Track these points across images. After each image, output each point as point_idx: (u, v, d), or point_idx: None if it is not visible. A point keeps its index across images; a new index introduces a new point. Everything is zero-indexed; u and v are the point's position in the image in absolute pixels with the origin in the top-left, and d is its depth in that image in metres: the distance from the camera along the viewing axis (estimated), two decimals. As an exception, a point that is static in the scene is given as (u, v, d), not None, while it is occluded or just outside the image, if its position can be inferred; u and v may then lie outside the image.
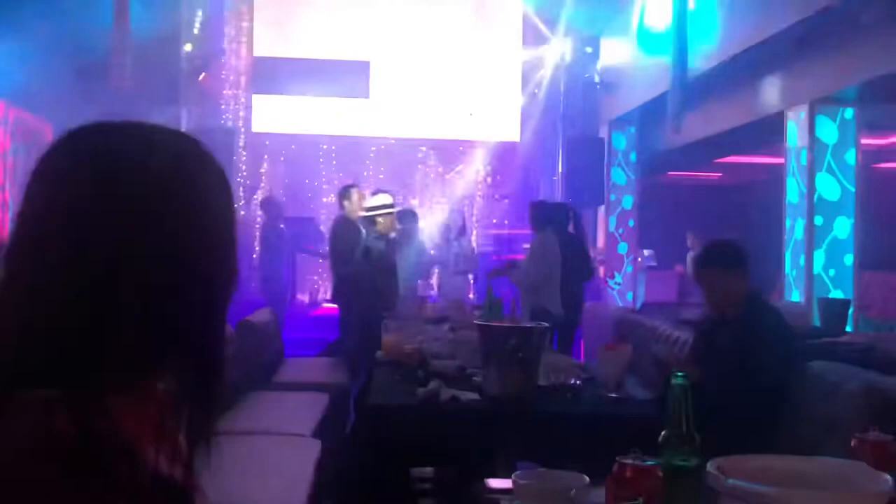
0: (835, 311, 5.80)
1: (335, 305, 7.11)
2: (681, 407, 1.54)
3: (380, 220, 6.45)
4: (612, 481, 1.41)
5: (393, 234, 6.63)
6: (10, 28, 6.76)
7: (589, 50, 11.01)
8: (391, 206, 6.58)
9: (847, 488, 1.42)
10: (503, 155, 11.90)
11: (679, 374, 1.59)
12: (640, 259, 11.25)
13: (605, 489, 1.43)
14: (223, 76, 11.30)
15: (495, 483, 1.83)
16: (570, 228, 6.92)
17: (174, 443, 0.86)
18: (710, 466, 1.43)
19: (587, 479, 1.66)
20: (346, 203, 6.73)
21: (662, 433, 1.54)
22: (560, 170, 11.35)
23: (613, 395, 3.16)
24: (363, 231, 6.49)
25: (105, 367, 0.81)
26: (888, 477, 1.40)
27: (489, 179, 11.97)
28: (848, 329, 5.90)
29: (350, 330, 6.51)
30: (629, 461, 1.42)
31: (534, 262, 6.29)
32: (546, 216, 6.59)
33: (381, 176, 11.30)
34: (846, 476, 1.46)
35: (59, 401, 0.77)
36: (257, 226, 11.09)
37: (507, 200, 11.91)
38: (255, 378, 5.00)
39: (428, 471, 3.50)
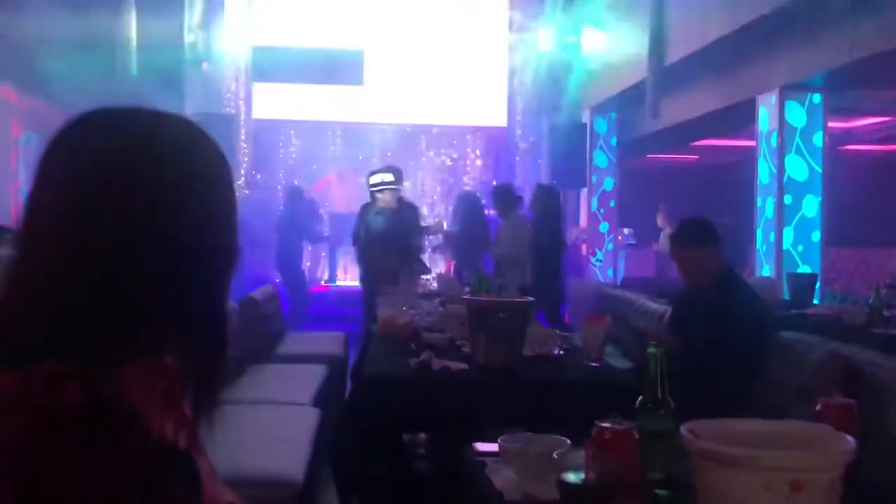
0: (803, 284, 5.82)
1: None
2: (656, 374, 1.56)
3: (379, 195, 6.40)
4: (591, 444, 1.42)
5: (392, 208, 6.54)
6: (22, 18, 6.69)
7: (572, 39, 10.96)
8: (391, 182, 6.52)
9: (812, 449, 1.43)
10: (491, 139, 11.89)
11: (654, 344, 1.61)
12: (620, 237, 11.28)
13: (584, 451, 1.45)
14: (224, 65, 11.23)
15: (483, 447, 1.84)
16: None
17: (180, 412, 0.87)
18: (683, 429, 1.45)
19: (569, 442, 1.68)
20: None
21: (639, 399, 1.56)
22: (545, 153, 11.35)
23: (594, 364, 3.17)
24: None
25: (113, 341, 0.81)
26: (850, 438, 1.42)
27: (478, 162, 11.96)
28: (815, 301, 5.93)
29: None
30: (607, 425, 1.43)
31: (502, 243, 6.44)
32: (510, 200, 6.70)
33: (375, 159, 11.26)
34: (811, 438, 1.48)
35: (70, 373, 0.77)
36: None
37: (494, 182, 11.90)
38: (257, 351, 5.00)
39: (420, 436, 3.53)
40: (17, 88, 8.32)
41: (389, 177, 6.55)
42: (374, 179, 6.58)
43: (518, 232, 6.55)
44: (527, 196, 7.59)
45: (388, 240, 6.29)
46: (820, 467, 1.34)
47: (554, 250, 6.87)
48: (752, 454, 1.33)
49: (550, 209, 7.02)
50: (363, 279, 6.62)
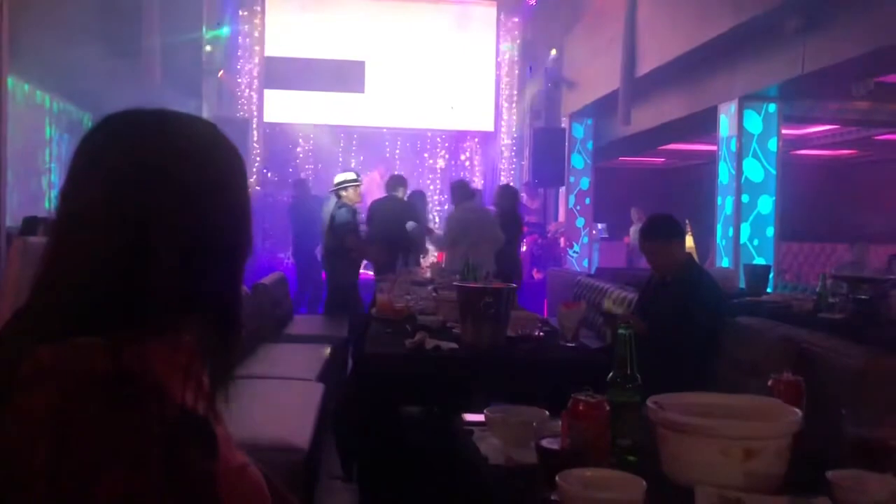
0: (757, 274, 5.83)
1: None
2: (625, 353, 1.56)
3: (343, 193, 6.38)
4: (567, 414, 1.43)
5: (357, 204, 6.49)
6: (57, 31, 6.65)
7: (553, 52, 10.95)
8: (355, 179, 6.52)
9: (763, 420, 1.45)
10: (479, 143, 11.88)
11: (624, 325, 1.61)
12: (594, 231, 11.29)
13: (561, 421, 1.45)
14: (238, 73, 11.18)
15: (470, 417, 1.84)
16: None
17: (199, 383, 0.87)
18: (649, 402, 1.45)
19: (547, 413, 1.68)
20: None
21: (610, 374, 1.57)
22: (528, 155, 11.34)
23: (570, 344, 3.18)
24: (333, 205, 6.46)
25: (138, 319, 0.81)
26: (797, 411, 1.43)
27: (467, 164, 11.94)
28: (768, 290, 5.95)
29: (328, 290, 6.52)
30: (582, 397, 1.44)
31: (444, 229, 6.53)
32: (462, 192, 6.78)
33: (375, 159, 11.24)
34: (764, 410, 1.49)
35: (99, 347, 0.77)
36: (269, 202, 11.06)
37: (481, 182, 11.89)
38: (268, 331, 5.00)
39: (415, 409, 3.52)
40: (50, 93, 8.27)
41: (352, 175, 6.58)
42: (339, 178, 6.57)
43: (460, 217, 6.58)
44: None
45: (353, 230, 6.30)
46: (770, 436, 1.35)
47: (513, 241, 7.09)
48: (709, 424, 1.34)
49: (513, 205, 7.32)
50: (330, 266, 6.53)
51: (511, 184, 9.80)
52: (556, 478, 1.26)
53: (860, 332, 3.76)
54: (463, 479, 1.67)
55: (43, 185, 8.27)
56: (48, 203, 8.08)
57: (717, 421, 1.35)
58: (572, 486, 1.23)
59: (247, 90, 11.26)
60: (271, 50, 11.23)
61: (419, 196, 8.33)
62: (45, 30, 6.50)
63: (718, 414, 1.42)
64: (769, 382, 1.67)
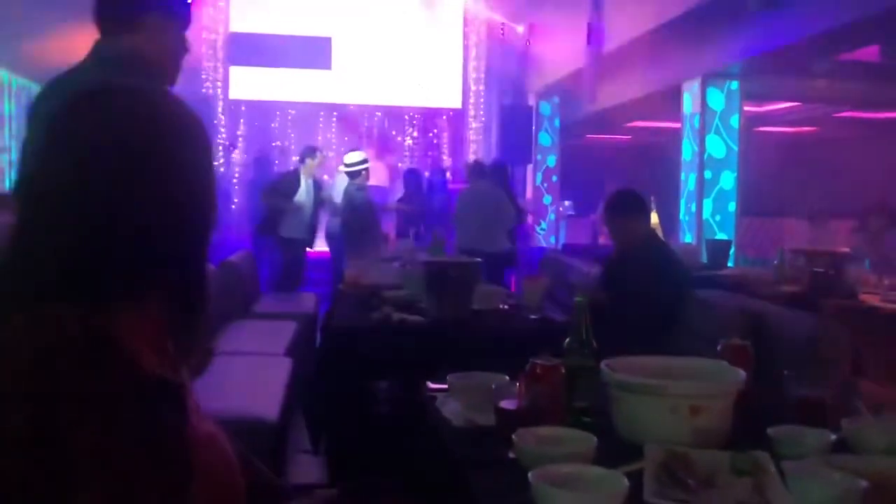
0: (719, 249, 5.95)
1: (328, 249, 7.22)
2: (581, 319, 1.62)
3: (364, 172, 6.48)
4: (525, 377, 1.48)
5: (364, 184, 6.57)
6: (16, 4, 6.51)
7: (520, 29, 10.97)
8: (367, 160, 6.58)
9: (710, 380, 1.52)
10: (447, 120, 11.88)
11: (581, 294, 1.67)
12: (561, 208, 11.39)
13: (518, 384, 1.51)
14: (203, 49, 11.02)
15: (434, 385, 1.89)
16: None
17: (166, 353, 0.90)
18: (603, 364, 1.52)
19: (507, 378, 1.74)
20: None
21: (566, 340, 1.62)
22: (495, 133, 11.38)
23: (534, 316, 3.24)
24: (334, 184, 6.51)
25: (106, 291, 0.84)
26: (741, 371, 1.51)
27: (435, 141, 11.94)
28: (730, 264, 6.08)
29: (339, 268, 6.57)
30: (539, 361, 1.49)
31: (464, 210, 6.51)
32: (475, 172, 6.75)
33: (346, 138, 11.18)
34: (710, 371, 1.57)
35: (70, 314, 0.80)
36: (235, 180, 10.96)
37: (450, 159, 11.89)
38: (235, 308, 5.00)
39: (382, 384, 3.57)
40: (9, 70, 8.10)
41: (363, 155, 6.65)
42: (356, 158, 6.58)
43: (468, 196, 6.57)
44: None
45: (373, 211, 6.44)
46: (714, 394, 1.43)
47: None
48: (657, 383, 1.41)
49: (502, 182, 7.12)
50: (349, 245, 6.57)
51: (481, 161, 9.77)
52: (513, 436, 1.32)
53: (815, 302, 3.89)
54: (426, 442, 1.73)
55: (3, 163, 8.12)
56: (8, 181, 7.93)
57: (663, 380, 1.42)
58: (527, 444, 1.30)
59: (212, 67, 11.10)
60: (237, 26, 11.10)
61: (414, 174, 8.36)
62: (3, 6, 6.36)
63: (668, 375, 1.49)
64: (719, 347, 1.75)
